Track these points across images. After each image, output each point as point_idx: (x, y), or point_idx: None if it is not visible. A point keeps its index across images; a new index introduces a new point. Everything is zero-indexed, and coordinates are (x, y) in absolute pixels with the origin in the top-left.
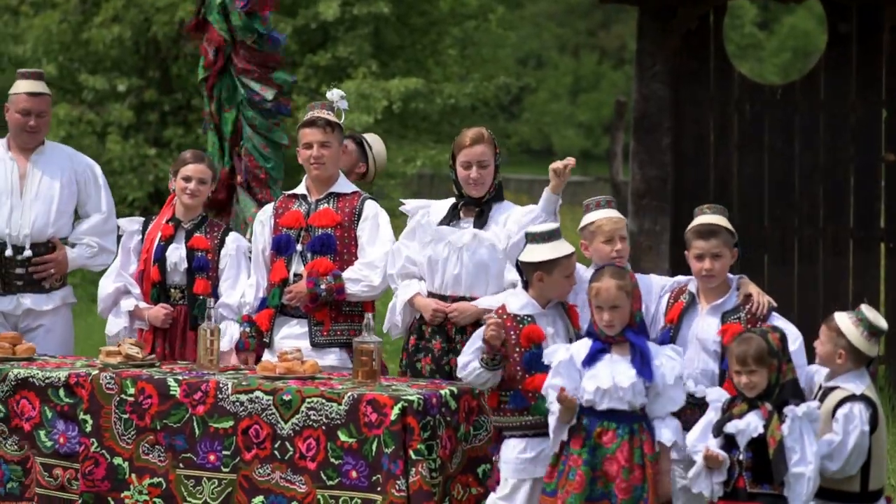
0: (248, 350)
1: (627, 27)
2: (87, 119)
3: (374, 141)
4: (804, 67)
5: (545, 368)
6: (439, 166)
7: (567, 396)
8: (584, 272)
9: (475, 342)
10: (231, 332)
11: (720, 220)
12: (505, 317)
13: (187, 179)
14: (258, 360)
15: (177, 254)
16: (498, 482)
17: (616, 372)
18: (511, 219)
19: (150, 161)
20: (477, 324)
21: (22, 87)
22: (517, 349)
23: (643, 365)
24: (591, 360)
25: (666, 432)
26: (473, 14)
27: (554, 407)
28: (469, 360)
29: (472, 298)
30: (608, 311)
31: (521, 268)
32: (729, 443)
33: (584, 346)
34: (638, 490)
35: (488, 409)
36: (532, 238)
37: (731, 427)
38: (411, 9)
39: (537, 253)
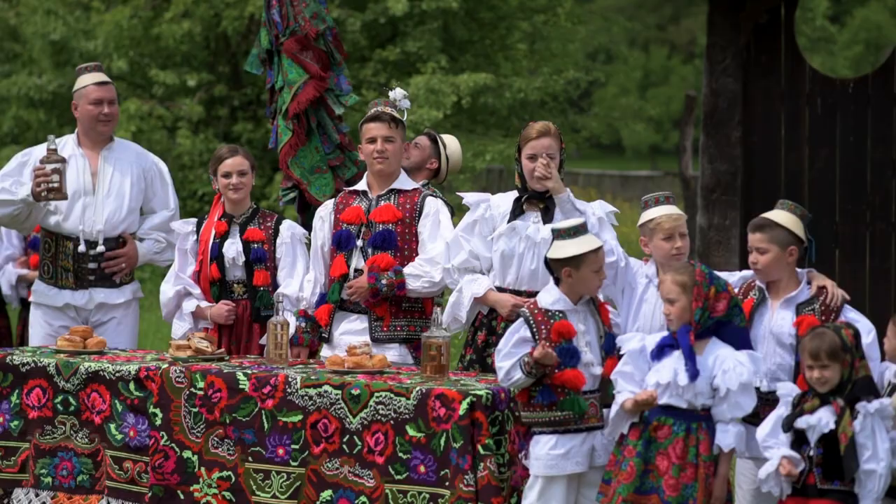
0: (301, 345)
1: (697, 21)
2: (158, 114)
3: (450, 142)
4: (876, 60)
5: (574, 363)
6: (508, 161)
7: (652, 399)
8: (638, 266)
9: (510, 340)
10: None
11: (778, 216)
12: (536, 311)
13: (227, 175)
14: (312, 355)
15: (233, 248)
16: (521, 477)
17: (679, 369)
18: (587, 212)
19: None
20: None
21: (88, 79)
22: (548, 344)
23: (689, 364)
24: (660, 353)
25: (726, 438)
26: (542, 8)
27: (620, 398)
28: (510, 367)
29: None
30: (666, 304)
31: (550, 265)
32: (799, 438)
33: (657, 338)
34: (687, 489)
35: (518, 404)
36: (558, 234)
37: (801, 422)
38: (480, 3)
39: (564, 249)
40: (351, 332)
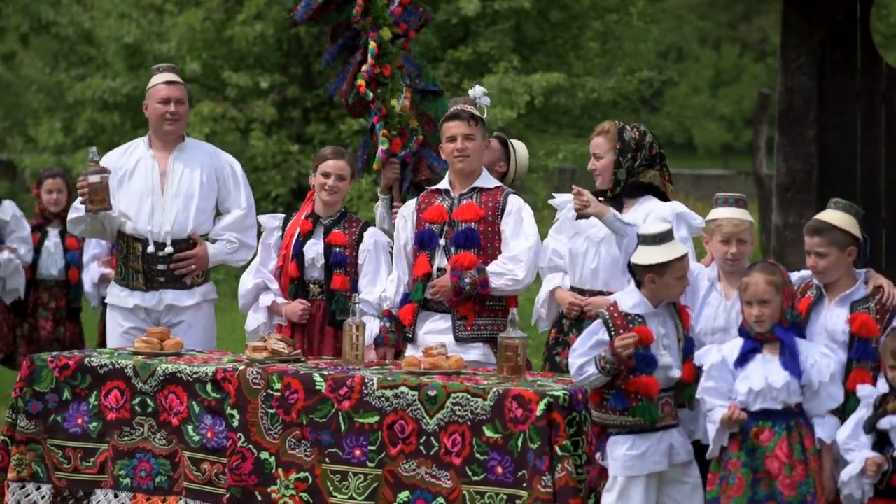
0: (387, 345)
1: (769, 19)
2: (231, 116)
3: (519, 147)
4: None
5: (650, 370)
6: (581, 160)
7: (739, 417)
8: (700, 269)
9: (587, 341)
10: (371, 328)
11: (834, 218)
12: (616, 315)
13: (326, 175)
14: (398, 355)
15: (315, 249)
16: (597, 478)
17: (769, 372)
18: (653, 215)
19: (293, 157)
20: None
21: (157, 79)
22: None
23: (791, 362)
24: (742, 360)
25: (826, 430)
26: (615, 7)
27: (715, 415)
28: (584, 364)
29: (610, 293)
30: (757, 305)
31: (633, 269)
32: (881, 439)
33: (735, 346)
34: (803, 486)
35: (591, 404)
36: (644, 240)
37: (884, 423)
38: (552, 3)
39: (649, 255)
40: (434, 331)
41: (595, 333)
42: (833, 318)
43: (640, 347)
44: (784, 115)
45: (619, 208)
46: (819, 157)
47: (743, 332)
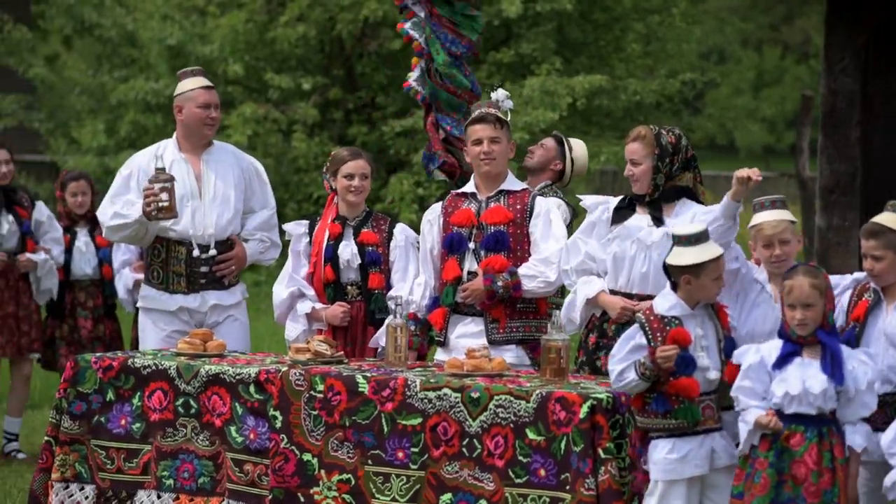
0: (410, 349)
1: (811, 21)
2: (273, 118)
3: (577, 146)
4: None
5: (689, 372)
6: (623, 162)
7: (775, 425)
8: (748, 267)
9: (625, 346)
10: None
11: (890, 220)
12: (652, 318)
13: (349, 177)
14: (420, 359)
15: (348, 251)
16: (642, 483)
17: (807, 376)
18: (691, 214)
19: None
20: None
21: (194, 83)
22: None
23: (834, 368)
24: (781, 362)
25: (857, 438)
26: (657, 9)
27: (749, 415)
28: (623, 369)
29: None
30: (801, 309)
31: (668, 270)
32: None
33: (774, 347)
34: (828, 494)
35: (633, 409)
36: (679, 240)
37: None
38: (594, 4)
39: (684, 256)
40: (467, 335)
41: (632, 338)
42: (892, 322)
43: (678, 349)
44: (827, 118)
45: (659, 212)
46: (863, 159)
47: (783, 334)
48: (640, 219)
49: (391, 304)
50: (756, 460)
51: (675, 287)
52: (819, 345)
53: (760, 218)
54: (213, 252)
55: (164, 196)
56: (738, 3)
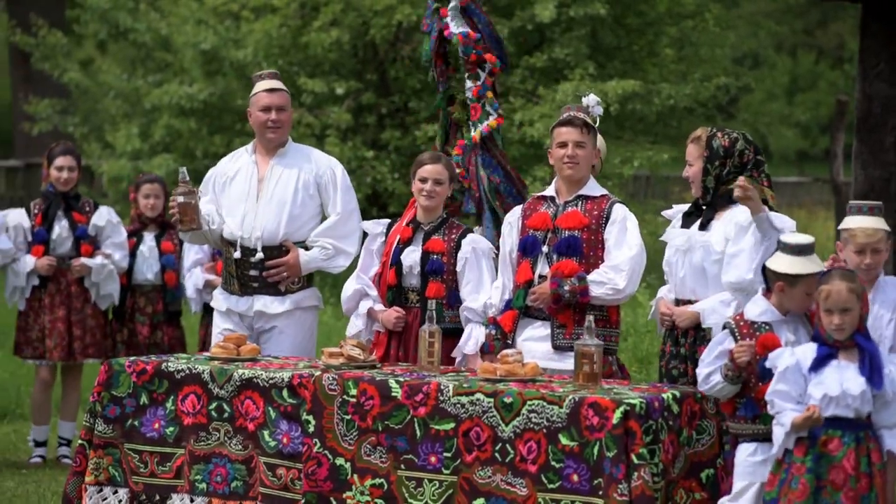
0: (492, 352)
1: (845, 25)
2: (307, 122)
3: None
4: None
5: None
6: (656, 167)
7: (818, 417)
8: None
9: (713, 350)
10: (476, 335)
11: None
12: (742, 323)
13: (423, 180)
14: None
15: (412, 257)
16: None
17: (845, 378)
18: (734, 220)
19: (368, 163)
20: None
21: (259, 86)
22: (753, 357)
23: (872, 371)
24: (818, 365)
25: (895, 442)
26: (691, 14)
27: (784, 417)
28: (710, 372)
29: (696, 301)
30: (838, 314)
31: (766, 273)
32: None
33: (809, 350)
34: (866, 500)
35: (725, 415)
36: (784, 247)
37: None
38: (628, 9)
39: (784, 263)
40: (533, 338)
41: (721, 343)
42: None
43: (767, 354)
44: (862, 122)
45: (711, 215)
46: None
47: (818, 337)
48: (689, 224)
49: (463, 315)
50: (793, 465)
51: (767, 292)
52: (855, 348)
53: (855, 223)
54: (259, 255)
55: (181, 199)
56: (773, 8)
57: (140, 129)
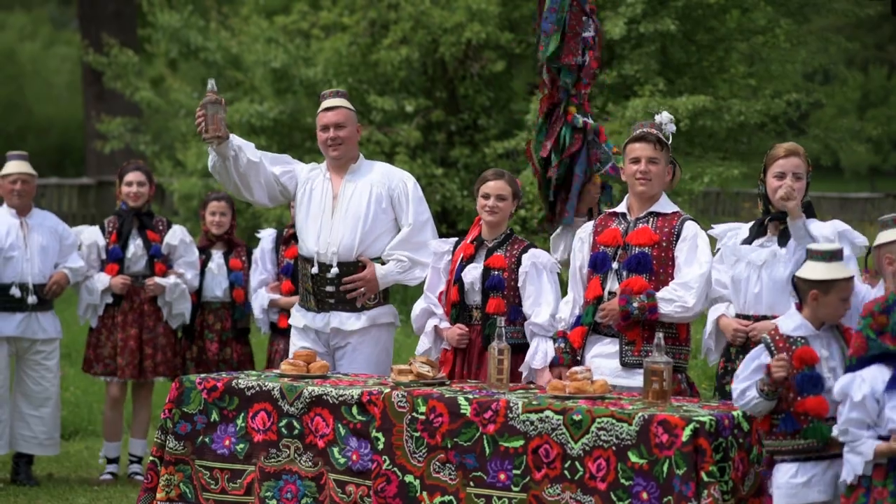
0: (562, 365)
1: None
2: (376, 140)
3: None
4: None
5: (817, 391)
6: (726, 183)
7: None
8: (865, 290)
9: (749, 365)
10: (543, 349)
11: None
12: (777, 338)
13: (486, 196)
14: None
15: (473, 273)
16: None
17: None
18: (818, 233)
19: (437, 181)
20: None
21: (323, 105)
22: (790, 371)
23: None
24: (892, 386)
25: None
26: (761, 29)
27: (864, 447)
28: (746, 388)
29: (775, 317)
30: None
31: (797, 284)
32: None
33: (877, 372)
34: None
35: (760, 432)
36: (813, 255)
37: None
38: (698, 25)
39: (816, 271)
40: (602, 355)
41: (757, 358)
42: None
43: (805, 368)
44: None
45: (785, 228)
46: None
47: (885, 357)
48: (760, 240)
49: (528, 329)
50: (873, 490)
51: (800, 307)
52: None
53: (889, 236)
54: (335, 271)
55: (208, 107)
56: (844, 23)
57: None
